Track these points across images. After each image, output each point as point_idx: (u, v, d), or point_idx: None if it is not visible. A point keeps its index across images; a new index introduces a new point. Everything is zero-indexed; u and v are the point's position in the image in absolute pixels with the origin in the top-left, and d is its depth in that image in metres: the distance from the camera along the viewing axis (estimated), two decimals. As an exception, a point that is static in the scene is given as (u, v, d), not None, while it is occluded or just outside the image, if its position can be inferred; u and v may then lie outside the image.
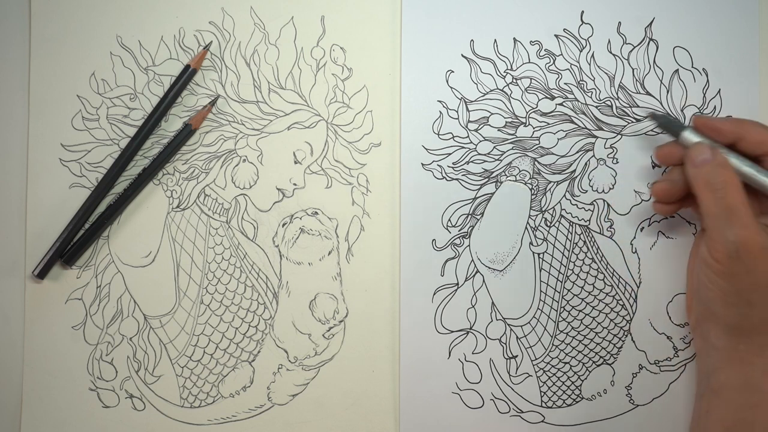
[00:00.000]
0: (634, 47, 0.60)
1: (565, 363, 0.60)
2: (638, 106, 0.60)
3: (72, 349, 0.57)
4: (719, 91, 0.60)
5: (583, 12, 0.60)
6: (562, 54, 0.59)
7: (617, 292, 0.60)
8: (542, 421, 0.60)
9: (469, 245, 0.59)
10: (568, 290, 0.60)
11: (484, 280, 0.59)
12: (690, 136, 0.53)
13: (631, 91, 0.60)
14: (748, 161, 0.52)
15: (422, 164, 0.59)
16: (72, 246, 0.57)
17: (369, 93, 0.59)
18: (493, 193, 0.59)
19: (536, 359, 0.60)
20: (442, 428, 0.59)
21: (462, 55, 0.59)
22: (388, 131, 0.59)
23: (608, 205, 0.60)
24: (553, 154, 0.59)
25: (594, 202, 0.60)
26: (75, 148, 0.57)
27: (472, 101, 0.59)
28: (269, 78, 0.58)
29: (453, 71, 0.59)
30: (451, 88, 0.59)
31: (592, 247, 0.60)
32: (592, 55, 0.60)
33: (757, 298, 0.49)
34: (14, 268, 0.57)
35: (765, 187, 0.51)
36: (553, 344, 0.60)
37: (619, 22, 0.60)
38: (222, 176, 0.58)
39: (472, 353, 0.59)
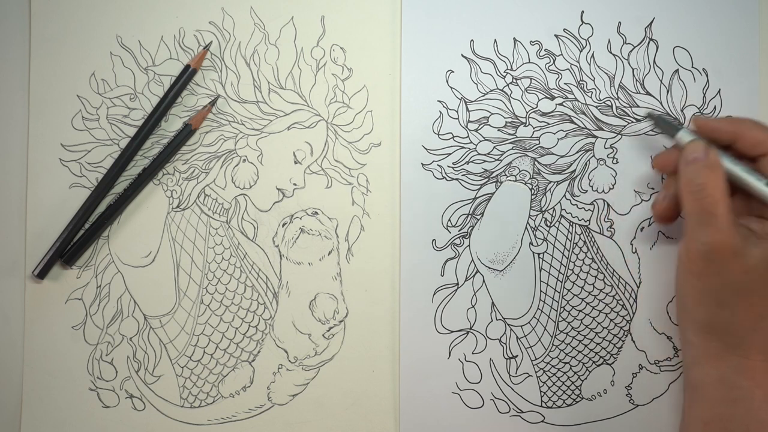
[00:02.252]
0: (634, 47, 0.60)
1: (565, 363, 0.60)
2: (638, 106, 0.60)
3: (72, 349, 0.57)
4: (719, 91, 0.60)
5: (583, 12, 0.60)
6: (562, 54, 0.59)
7: (617, 292, 0.60)
8: (542, 421, 0.60)
9: (469, 245, 0.59)
10: (568, 290, 0.60)
11: (484, 280, 0.59)
12: (685, 136, 0.53)
13: (631, 91, 0.60)
14: (742, 163, 0.52)
15: (422, 164, 0.59)
16: (72, 246, 0.57)
17: (369, 93, 0.59)
18: (493, 193, 0.59)
19: (536, 359, 0.60)
20: (442, 428, 0.59)
21: (462, 55, 0.59)
22: (388, 131, 0.59)
23: (608, 205, 0.60)
24: (553, 154, 0.59)
25: (594, 202, 0.60)
26: (75, 148, 0.57)
27: (472, 101, 0.59)
28: (269, 78, 0.58)
29: (453, 71, 0.59)
30: (451, 88, 0.59)
31: (592, 247, 0.60)
32: (592, 55, 0.60)
33: (727, 299, 0.50)
34: (14, 268, 0.57)
35: (753, 190, 0.51)
36: (553, 344, 0.60)
37: (619, 22, 0.60)
38: (222, 176, 0.58)
39: (472, 353, 0.59)
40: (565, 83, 0.59)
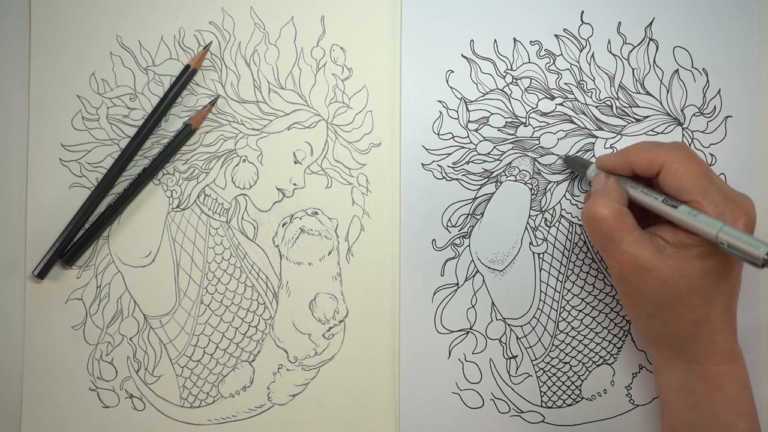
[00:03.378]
0: (634, 47, 0.60)
1: (565, 363, 0.60)
2: (638, 106, 0.60)
3: (72, 349, 0.57)
4: (719, 91, 0.60)
5: (583, 12, 0.60)
6: (562, 54, 0.59)
7: (617, 292, 0.60)
8: (542, 421, 0.60)
9: (469, 245, 0.59)
10: (568, 290, 0.60)
11: (484, 280, 0.59)
12: (592, 173, 0.55)
13: (631, 91, 0.60)
14: (640, 186, 0.52)
15: (422, 164, 0.59)
16: (72, 246, 0.57)
17: (369, 93, 0.59)
18: (493, 193, 0.59)
19: (536, 359, 0.60)
20: (442, 428, 0.59)
21: (462, 55, 0.59)
22: (388, 131, 0.59)
23: (608, 205, 0.60)
24: (553, 154, 0.59)
25: (594, 202, 0.60)
26: (75, 148, 0.57)
27: (472, 101, 0.59)
28: (269, 78, 0.58)
29: (453, 71, 0.59)
30: (451, 88, 0.59)
31: (592, 247, 0.60)
32: (592, 55, 0.60)
33: (654, 312, 0.51)
34: (14, 268, 0.57)
35: (654, 208, 0.51)
36: (553, 344, 0.60)
37: (619, 22, 0.60)
38: (222, 176, 0.58)
39: (472, 353, 0.59)
40: (565, 83, 0.59)
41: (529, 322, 0.59)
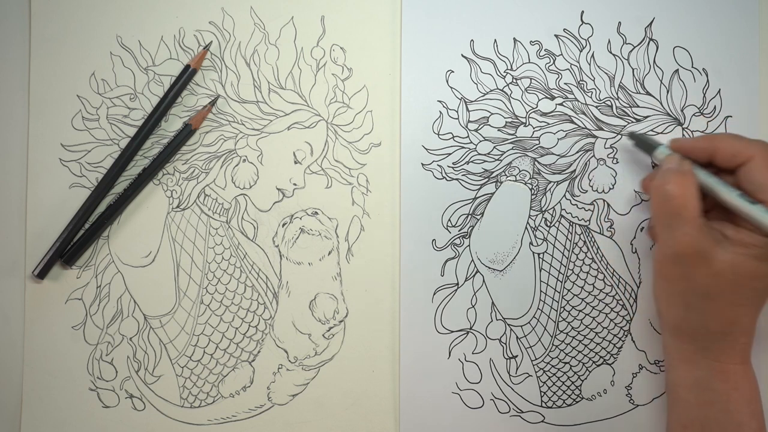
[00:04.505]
0: (634, 47, 0.60)
1: (565, 363, 0.60)
2: (638, 106, 0.60)
3: (72, 349, 0.57)
4: (719, 91, 0.60)
5: (583, 12, 0.60)
6: (562, 54, 0.59)
7: (617, 292, 0.60)
8: (542, 421, 0.60)
9: (469, 245, 0.59)
10: (568, 290, 0.60)
11: (484, 280, 0.59)
12: (663, 153, 0.54)
13: (631, 91, 0.60)
14: (716, 176, 0.52)
15: (422, 164, 0.59)
16: (72, 246, 0.57)
17: (369, 93, 0.59)
18: (493, 193, 0.59)
19: (536, 359, 0.60)
20: (442, 428, 0.59)
21: (462, 55, 0.59)
22: (388, 131, 0.59)
23: (608, 205, 0.60)
24: (553, 154, 0.59)
25: (594, 202, 0.60)
26: (75, 148, 0.57)
27: (472, 101, 0.59)
28: (269, 78, 0.58)
29: (453, 71, 0.59)
30: (451, 88, 0.59)
31: (592, 247, 0.60)
32: (592, 55, 0.60)
33: (694, 302, 0.50)
34: (14, 268, 0.57)
35: (726, 201, 0.51)
36: (553, 344, 0.60)
37: (619, 22, 0.60)
38: (222, 176, 0.58)
39: (472, 353, 0.59)
40: (565, 83, 0.59)
41: (529, 322, 0.60)
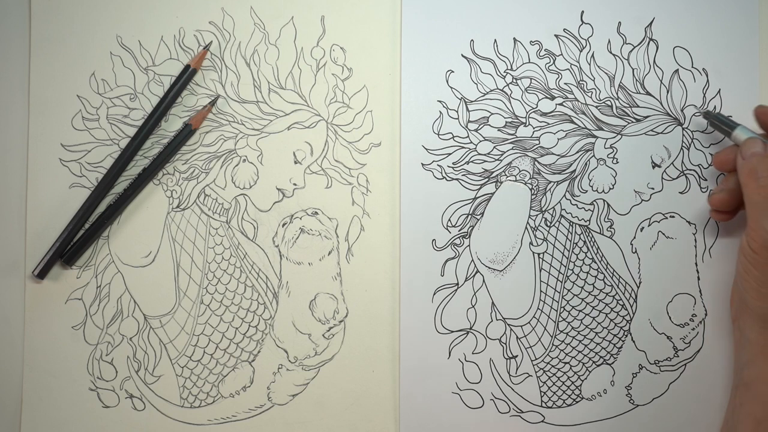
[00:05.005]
0: (634, 47, 0.60)
1: (565, 363, 0.60)
2: (638, 106, 0.60)
3: (72, 349, 0.57)
4: (719, 91, 0.60)
5: (583, 12, 0.60)
6: (562, 54, 0.59)
7: (617, 292, 0.60)
8: (542, 421, 0.60)
9: (469, 245, 0.59)
10: (568, 290, 0.60)
11: (484, 280, 0.59)
12: (742, 134, 0.54)
13: (631, 91, 0.60)
14: None
15: (422, 164, 0.59)
16: (72, 246, 0.57)
17: (369, 93, 0.59)
18: (493, 193, 0.59)
19: (536, 359, 0.60)
20: (442, 428, 0.59)
21: (462, 55, 0.59)
22: (388, 131, 0.59)
23: (608, 205, 0.60)
24: (553, 154, 0.59)
25: (594, 202, 0.60)
26: (75, 148, 0.57)
27: (472, 101, 0.59)
28: (269, 78, 0.58)
29: (453, 71, 0.59)
30: (451, 88, 0.59)
31: (592, 247, 0.60)
32: (592, 55, 0.60)
33: None
34: (14, 268, 0.57)
35: None
36: (553, 344, 0.60)
37: (619, 22, 0.60)
38: (222, 176, 0.58)
39: (472, 353, 0.59)
40: (565, 83, 0.59)
41: (529, 322, 0.59)
